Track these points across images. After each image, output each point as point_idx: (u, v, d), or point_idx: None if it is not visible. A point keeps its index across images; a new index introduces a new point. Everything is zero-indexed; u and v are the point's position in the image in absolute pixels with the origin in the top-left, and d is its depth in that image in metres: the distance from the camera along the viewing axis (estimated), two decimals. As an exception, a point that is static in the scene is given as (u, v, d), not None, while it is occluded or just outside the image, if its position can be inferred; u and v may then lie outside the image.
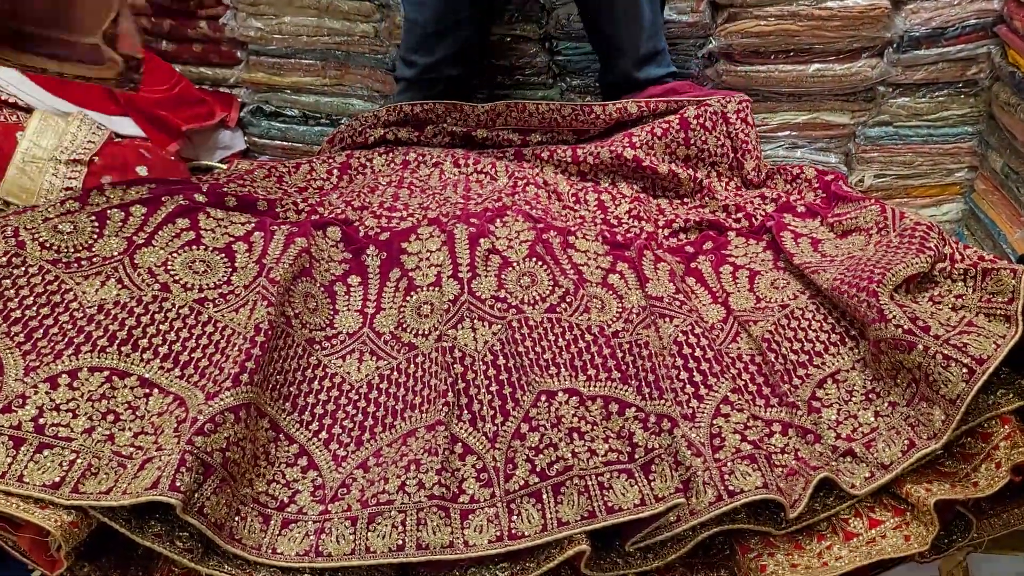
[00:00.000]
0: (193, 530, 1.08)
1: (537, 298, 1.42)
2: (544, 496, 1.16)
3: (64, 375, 1.22)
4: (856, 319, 1.37)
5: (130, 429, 1.19)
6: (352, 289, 1.52)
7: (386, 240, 1.57)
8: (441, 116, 1.90)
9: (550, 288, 1.45)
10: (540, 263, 1.49)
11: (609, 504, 1.14)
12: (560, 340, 1.36)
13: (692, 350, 1.38)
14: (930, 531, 1.15)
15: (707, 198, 1.78)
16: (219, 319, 1.36)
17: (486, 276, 1.45)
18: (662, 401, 1.29)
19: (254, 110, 2.49)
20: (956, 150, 2.22)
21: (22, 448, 1.12)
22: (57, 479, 1.10)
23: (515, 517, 1.15)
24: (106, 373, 1.24)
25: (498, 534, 1.14)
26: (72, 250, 1.40)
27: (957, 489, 1.18)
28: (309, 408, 1.32)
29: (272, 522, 1.16)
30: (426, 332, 1.43)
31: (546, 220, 1.62)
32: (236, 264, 1.46)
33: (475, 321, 1.38)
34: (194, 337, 1.33)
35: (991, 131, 2.15)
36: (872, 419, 1.28)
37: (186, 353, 1.31)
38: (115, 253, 1.41)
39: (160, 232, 1.46)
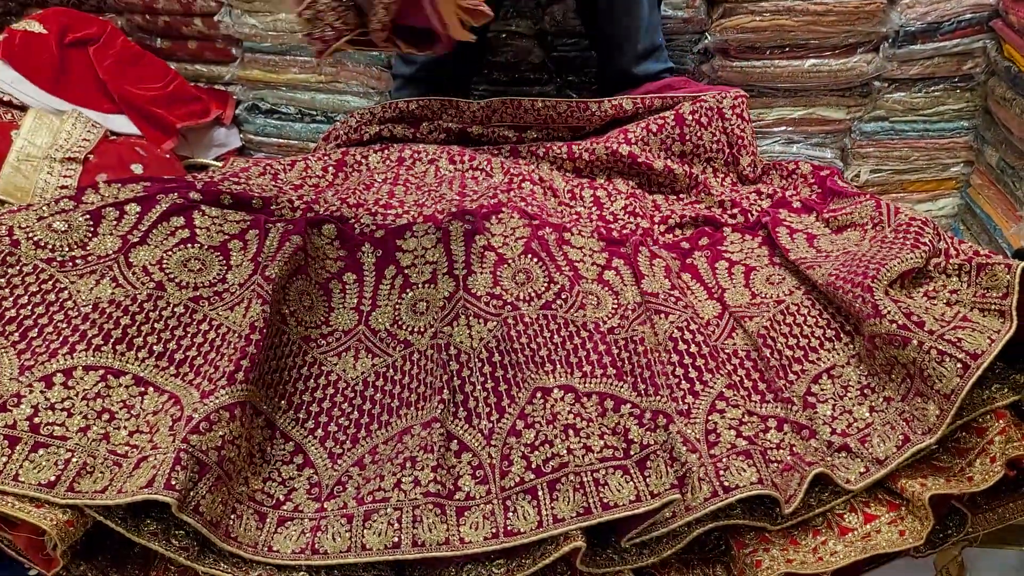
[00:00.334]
0: (189, 528, 1.08)
1: (532, 295, 1.43)
2: (540, 493, 1.17)
3: (59, 374, 1.22)
4: (851, 314, 1.37)
5: (125, 428, 1.19)
6: (347, 287, 1.52)
7: (381, 237, 1.57)
8: (437, 113, 1.90)
9: (545, 285, 1.45)
10: (535, 260, 1.49)
11: (605, 500, 1.14)
12: (555, 337, 1.36)
13: (687, 346, 1.38)
14: (925, 526, 1.16)
15: (703, 194, 1.78)
16: (214, 317, 1.36)
17: (481, 273, 1.45)
18: (657, 397, 1.29)
19: (249, 107, 2.48)
20: (952, 145, 2.23)
21: (17, 447, 1.12)
22: (52, 478, 1.10)
23: (511, 514, 1.15)
24: (101, 372, 1.24)
25: (494, 531, 1.14)
26: (66, 248, 1.40)
27: (952, 484, 1.18)
28: (305, 406, 1.32)
29: (268, 520, 1.16)
30: (422, 329, 1.43)
31: (541, 217, 1.62)
32: (231, 262, 1.45)
33: (470, 318, 1.38)
34: (189, 335, 1.33)
35: (987, 126, 2.15)
36: (867, 414, 1.29)
37: (181, 351, 1.31)
38: (110, 251, 1.41)
39: (155, 230, 1.46)
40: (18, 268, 1.35)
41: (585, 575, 1.15)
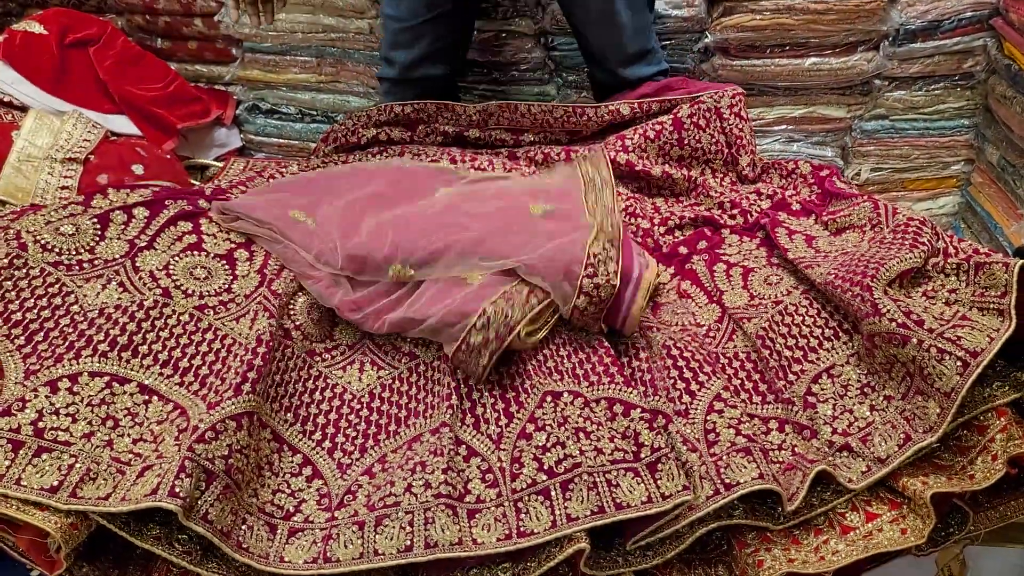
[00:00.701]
0: (192, 533, 1.08)
1: None
2: (553, 493, 1.17)
3: (64, 379, 1.22)
4: (850, 313, 1.37)
5: (129, 435, 1.20)
6: None
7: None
8: (433, 116, 1.90)
9: None
10: None
11: (618, 501, 1.14)
12: (561, 350, 1.37)
13: (680, 352, 1.38)
14: (927, 524, 1.16)
15: (702, 195, 1.78)
16: (219, 327, 1.37)
17: None
18: (656, 398, 1.30)
19: (250, 107, 2.48)
20: (952, 143, 2.23)
21: (21, 451, 1.12)
22: (55, 483, 1.10)
23: (523, 515, 1.16)
24: (106, 378, 1.24)
25: (507, 532, 1.14)
26: (74, 252, 1.40)
27: (953, 482, 1.19)
28: (311, 418, 1.33)
29: (279, 531, 1.17)
30: (427, 341, 1.43)
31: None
32: (237, 272, 1.46)
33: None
34: (194, 344, 1.33)
35: (987, 124, 2.15)
36: (868, 413, 1.29)
37: (186, 360, 1.31)
38: (117, 256, 1.41)
39: (162, 235, 1.47)
40: (25, 271, 1.35)
41: (589, 577, 1.16)
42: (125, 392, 1.24)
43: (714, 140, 1.80)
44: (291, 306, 1.44)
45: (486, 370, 1.31)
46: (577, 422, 1.23)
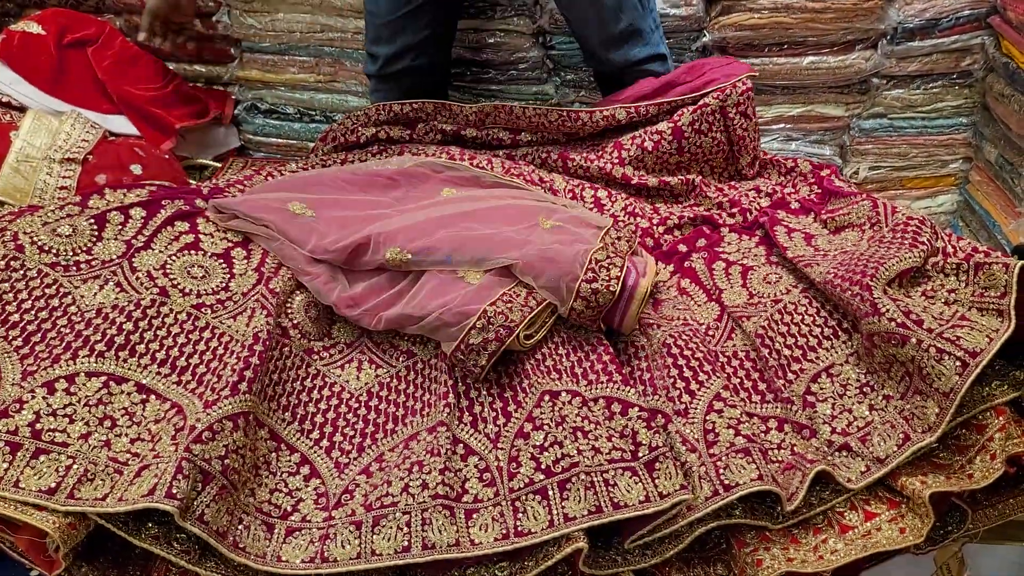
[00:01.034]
0: (190, 532, 1.08)
1: None
2: (550, 493, 1.17)
3: (61, 380, 1.22)
4: (849, 312, 1.37)
5: (127, 435, 1.20)
6: None
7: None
8: (431, 115, 1.90)
9: None
10: None
11: (615, 500, 1.14)
12: (560, 349, 1.37)
13: (680, 350, 1.38)
14: (925, 523, 1.16)
15: (701, 196, 1.77)
16: (217, 326, 1.37)
17: None
18: (655, 398, 1.30)
19: (248, 107, 2.48)
20: (951, 141, 2.23)
21: (18, 453, 1.12)
22: (53, 484, 1.10)
23: (520, 515, 1.16)
24: (103, 378, 1.24)
25: (504, 532, 1.14)
26: (71, 253, 1.40)
27: (952, 481, 1.19)
28: (309, 417, 1.33)
29: (276, 531, 1.17)
30: (424, 340, 1.43)
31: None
32: (234, 271, 1.46)
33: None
34: (191, 343, 1.33)
35: (985, 122, 2.15)
36: (867, 413, 1.29)
37: (183, 359, 1.31)
38: (114, 256, 1.41)
39: (159, 235, 1.46)
40: (22, 272, 1.35)
41: (587, 576, 1.16)
42: (123, 392, 1.24)
43: (716, 142, 1.79)
44: (289, 304, 1.44)
45: (484, 370, 1.31)
46: (575, 421, 1.23)
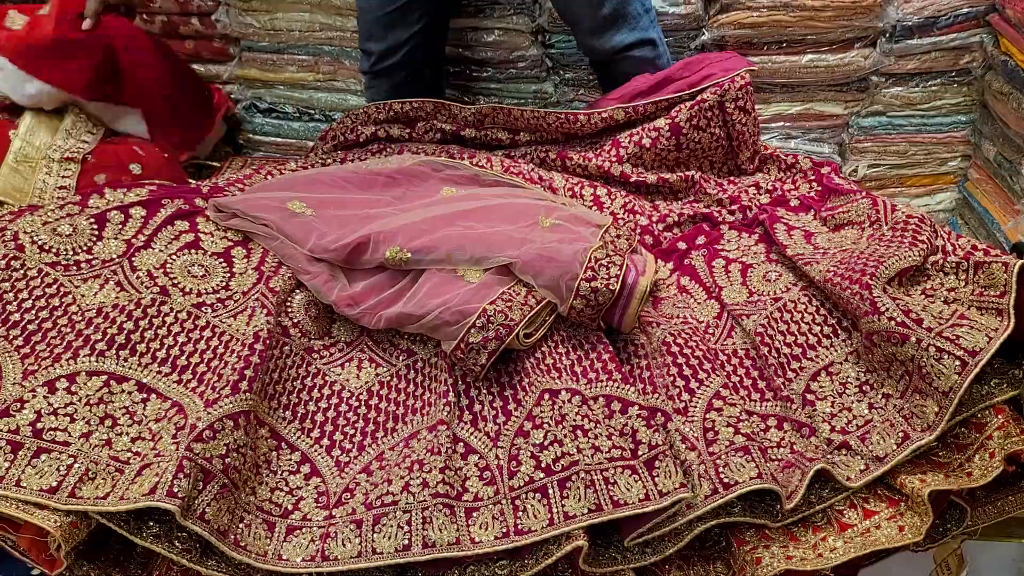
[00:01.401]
0: (191, 531, 1.09)
1: None
2: (550, 491, 1.17)
3: (62, 379, 1.22)
4: (848, 311, 1.37)
5: (127, 434, 1.20)
6: None
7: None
8: (431, 114, 1.90)
9: None
10: None
11: (615, 498, 1.15)
12: (560, 347, 1.37)
13: (680, 348, 1.38)
14: (924, 521, 1.17)
15: (700, 193, 1.77)
16: (217, 324, 1.37)
17: None
18: (655, 396, 1.30)
19: (248, 106, 2.48)
20: (949, 139, 2.23)
21: (20, 453, 1.13)
22: (54, 483, 1.10)
23: (520, 513, 1.16)
24: (104, 377, 1.24)
25: (504, 530, 1.15)
26: (71, 252, 1.40)
27: (951, 479, 1.19)
28: (310, 416, 1.33)
29: (277, 529, 1.17)
30: (424, 338, 1.43)
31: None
32: (234, 269, 1.46)
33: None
34: (192, 342, 1.34)
35: (984, 120, 2.16)
36: (866, 411, 1.29)
37: (184, 358, 1.31)
38: (114, 256, 1.42)
39: (159, 234, 1.47)
40: (23, 272, 1.35)
41: (587, 574, 1.16)
42: (123, 391, 1.24)
43: (714, 137, 1.78)
44: (289, 303, 1.44)
45: (484, 368, 1.32)
46: (575, 420, 1.24)
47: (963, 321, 1.23)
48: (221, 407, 1.18)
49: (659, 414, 1.26)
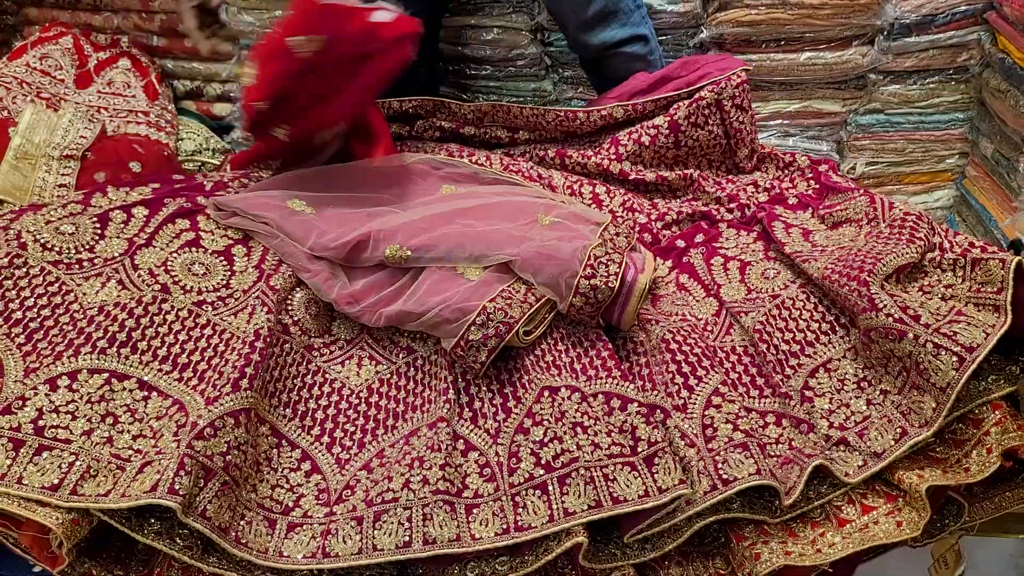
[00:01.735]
0: (192, 528, 1.09)
1: None
2: (550, 487, 1.18)
3: (64, 377, 1.22)
4: (846, 308, 1.38)
5: (129, 432, 1.20)
6: None
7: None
8: (430, 112, 1.90)
9: None
10: None
11: (615, 495, 1.15)
12: (559, 345, 1.37)
13: (679, 345, 1.39)
14: (922, 517, 1.17)
15: (699, 191, 1.78)
16: (218, 323, 1.37)
17: None
18: (654, 393, 1.31)
19: (247, 104, 2.48)
20: (947, 137, 2.23)
21: (21, 450, 1.13)
22: (56, 481, 1.11)
23: (521, 510, 1.17)
24: (105, 375, 1.24)
25: (504, 527, 1.15)
26: (74, 251, 1.41)
27: (949, 475, 1.20)
28: (310, 413, 1.33)
29: (278, 526, 1.17)
30: (424, 336, 1.44)
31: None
32: (235, 268, 1.46)
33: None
34: (193, 340, 1.34)
35: (982, 117, 2.16)
36: (864, 407, 1.30)
37: (185, 355, 1.32)
38: (116, 254, 1.42)
39: (160, 232, 1.47)
40: (25, 270, 1.36)
41: (587, 570, 1.17)
42: (124, 388, 1.25)
43: (712, 135, 1.79)
44: (289, 301, 1.44)
45: (484, 366, 1.32)
46: (575, 417, 1.24)
47: (960, 317, 1.24)
48: (222, 405, 1.18)
49: (658, 411, 1.27)
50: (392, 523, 1.15)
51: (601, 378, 1.30)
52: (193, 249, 1.47)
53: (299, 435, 1.30)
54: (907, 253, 1.36)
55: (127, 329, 1.30)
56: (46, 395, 1.20)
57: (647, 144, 1.78)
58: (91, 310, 1.33)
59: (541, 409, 1.27)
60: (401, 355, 1.44)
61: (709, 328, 1.48)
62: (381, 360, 1.43)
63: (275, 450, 1.26)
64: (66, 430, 1.17)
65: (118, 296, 1.35)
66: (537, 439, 1.24)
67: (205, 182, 1.63)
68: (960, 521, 1.25)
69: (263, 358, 1.28)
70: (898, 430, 1.24)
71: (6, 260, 1.35)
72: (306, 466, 1.26)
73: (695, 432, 1.26)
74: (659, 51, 2.01)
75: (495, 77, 2.30)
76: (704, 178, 1.79)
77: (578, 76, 2.28)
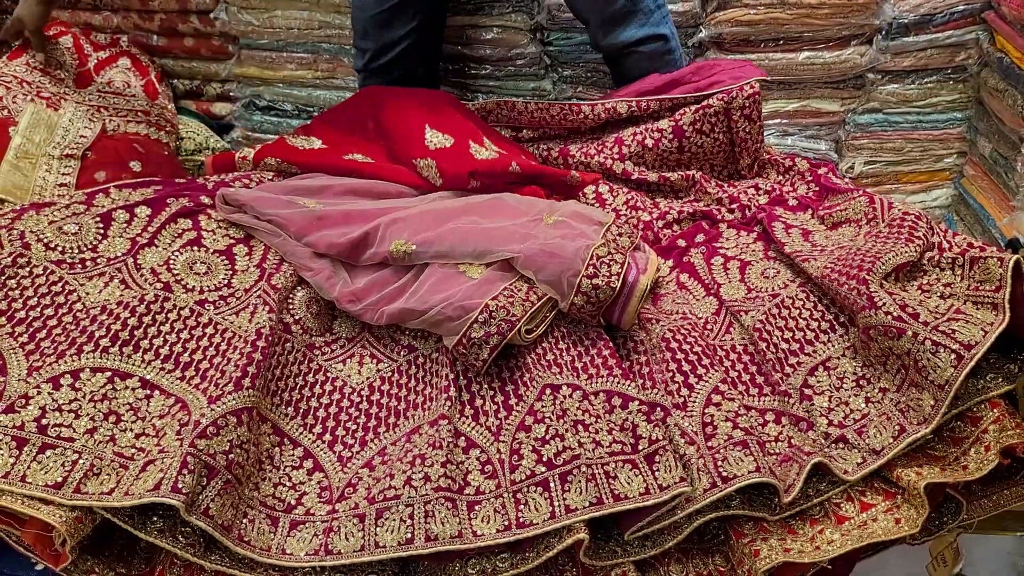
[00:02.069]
0: (195, 525, 1.10)
1: None
2: (551, 484, 1.18)
3: (67, 375, 1.23)
4: (846, 307, 1.38)
5: (131, 430, 1.21)
6: None
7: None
8: (433, 110, 1.91)
9: None
10: None
11: (616, 492, 1.16)
12: (560, 343, 1.38)
13: (679, 344, 1.39)
14: (920, 514, 1.17)
15: (701, 192, 1.79)
16: (219, 321, 1.38)
17: None
18: (654, 391, 1.31)
19: (246, 104, 2.48)
20: (945, 136, 2.24)
21: (25, 448, 1.13)
22: (59, 479, 1.11)
23: (522, 507, 1.17)
24: (108, 374, 1.25)
25: (506, 523, 1.16)
26: (77, 251, 1.41)
27: (947, 472, 1.20)
28: (312, 412, 1.34)
29: (280, 524, 1.18)
30: (425, 334, 1.44)
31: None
32: (236, 267, 1.47)
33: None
34: (195, 339, 1.34)
35: (980, 117, 2.17)
36: (863, 405, 1.30)
37: (187, 354, 1.32)
38: (119, 253, 1.42)
39: (162, 232, 1.48)
40: (28, 270, 1.36)
41: (588, 567, 1.17)
42: (127, 387, 1.25)
43: (717, 142, 1.80)
44: (290, 300, 1.45)
45: (486, 364, 1.33)
46: (576, 415, 1.25)
47: (959, 316, 1.24)
48: (224, 403, 1.19)
49: (659, 409, 1.27)
50: (394, 520, 1.15)
51: (602, 376, 1.30)
52: (195, 248, 1.47)
53: (301, 433, 1.30)
54: (906, 252, 1.36)
55: (130, 328, 1.31)
56: (49, 394, 1.20)
57: (651, 147, 1.78)
58: (94, 309, 1.33)
59: (542, 407, 1.27)
60: (402, 353, 1.44)
61: (709, 327, 1.49)
62: (382, 358, 1.44)
63: (277, 448, 1.27)
64: (69, 428, 1.17)
65: (121, 295, 1.36)
66: (539, 436, 1.24)
67: (208, 182, 1.63)
68: (958, 519, 1.25)
69: (265, 357, 1.29)
70: (897, 427, 1.25)
71: (10, 259, 1.35)
72: (308, 464, 1.27)
73: (695, 430, 1.26)
74: (680, 51, 2.01)
75: (495, 76, 2.31)
76: (706, 179, 1.79)
77: (577, 75, 2.29)
